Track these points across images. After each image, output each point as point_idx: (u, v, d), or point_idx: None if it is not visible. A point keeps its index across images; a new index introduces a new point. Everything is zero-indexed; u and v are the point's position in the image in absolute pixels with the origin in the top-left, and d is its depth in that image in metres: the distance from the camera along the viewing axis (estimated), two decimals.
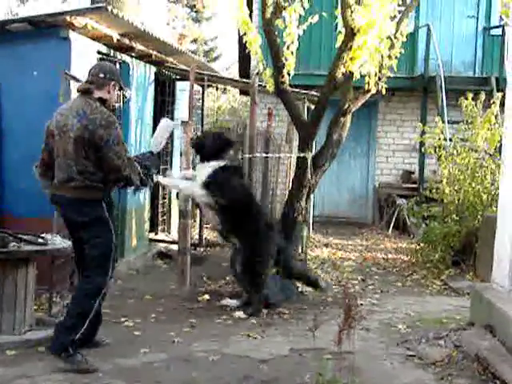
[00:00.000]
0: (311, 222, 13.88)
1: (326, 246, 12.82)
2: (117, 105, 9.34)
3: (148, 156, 6.07)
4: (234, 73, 27.43)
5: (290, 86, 9.70)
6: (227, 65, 34.91)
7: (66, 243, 6.63)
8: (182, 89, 12.02)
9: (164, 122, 6.49)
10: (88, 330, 5.70)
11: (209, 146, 7.62)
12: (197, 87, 12.08)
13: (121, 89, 6.05)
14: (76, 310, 5.70)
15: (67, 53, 7.80)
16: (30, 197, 7.76)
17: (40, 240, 6.36)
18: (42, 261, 6.82)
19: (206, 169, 7.51)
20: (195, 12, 35.17)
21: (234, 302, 7.89)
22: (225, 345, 6.34)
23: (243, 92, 18.89)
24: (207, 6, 29.65)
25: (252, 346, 6.36)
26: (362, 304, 8.19)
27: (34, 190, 7.65)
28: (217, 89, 14.53)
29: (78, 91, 5.86)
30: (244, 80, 13.18)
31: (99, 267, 5.71)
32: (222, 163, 7.53)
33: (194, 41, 35.00)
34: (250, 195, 8.07)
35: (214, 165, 7.49)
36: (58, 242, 6.57)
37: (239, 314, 7.57)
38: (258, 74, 9.19)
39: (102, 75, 5.80)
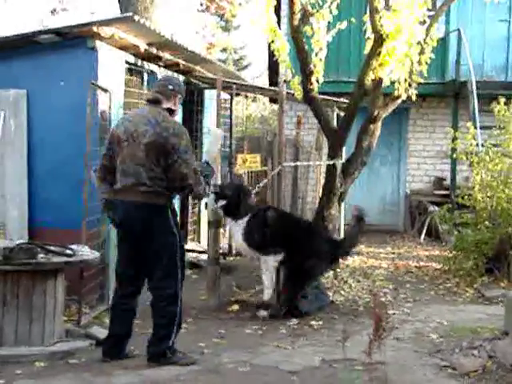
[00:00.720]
0: (342, 229, 13.76)
1: (358, 253, 12.68)
2: None
3: (205, 166, 6.13)
4: (263, 81, 27.40)
5: (319, 93, 9.64)
6: (257, 73, 34.87)
7: (95, 254, 6.64)
8: (210, 97, 12.02)
9: (214, 130, 6.79)
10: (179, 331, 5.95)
11: (234, 203, 7.91)
12: (225, 96, 12.07)
13: (184, 102, 6.14)
14: (162, 320, 5.84)
15: (94, 63, 7.80)
16: (59, 208, 7.81)
17: (68, 251, 6.36)
18: (71, 272, 6.84)
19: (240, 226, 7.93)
20: (224, 21, 35.20)
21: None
22: (255, 356, 6.28)
23: (273, 100, 18.85)
24: (235, 15, 29.61)
25: (282, 356, 6.29)
26: (394, 313, 8.13)
27: (63, 200, 7.75)
28: (246, 97, 14.45)
29: (147, 101, 6.06)
30: (272, 88, 13.14)
31: (169, 276, 5.81)
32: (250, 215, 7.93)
33: (224, 50, 35.04)
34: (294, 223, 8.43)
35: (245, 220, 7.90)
36: (87, 252, 6.57)
37: (263, 313, 7.75)
38: (285, 81, 9.15)
39: (170, 87, 6.00)
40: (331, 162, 9.32)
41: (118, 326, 6.03)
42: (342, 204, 10.74)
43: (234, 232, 8.20)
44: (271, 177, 8.90)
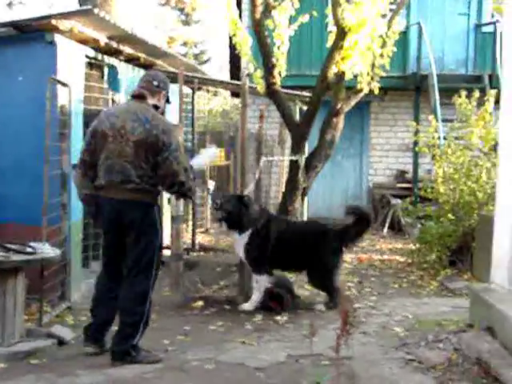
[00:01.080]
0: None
1: None
2: (105, 109, 9.25)
3: (191, 169, 6.07)
4: (225, 75, 27.30)
5: (282, 87, 9.61)
6: (218, 67, 34.79)
7: (56, 251, 6.51)
8: (172, 92, 11.88)
9: (213, 149, 7.16)
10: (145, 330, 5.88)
11: (236, 216, 7.85)
12: (187, 90, 11.97)
13: (168, 101, 6.19)
14: (128, 319, 5.77)
15: (53, 57, 7.64)
16: (19, 204, 7.66)
17: (28, 249, 6.23)
18: (31, 270, 6.71)
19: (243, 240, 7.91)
20: (185, 15, 35.02)
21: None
22: (220, 352, 6.20)
23: (234, 94, 18.78)
24: (196, 9, 29.50)
25: (248, 353, 6.22)
26: (359, 307, 8.10)
27: (23, 196, 7.61)
28: (208, 91, 14.37)
29: (132, 96, 6.00)
30: (234, 82, 13.07)
31: (143, 272, 5.78)
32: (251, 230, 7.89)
33: (184, 44, 34.88)
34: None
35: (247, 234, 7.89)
36: (48, 250, 6.45)
37: (320, 306, 7.94)
38: (248, 75, 9.09)
39: (156, 83, 5.97)
40: (295, 157, 9.29)
41: (102, 312, 6.02)
42: (306, 198, 10.72)
43: (236, 245, 8.10)
44: (259, 173, 8.92)
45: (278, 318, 7.56)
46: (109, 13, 12.98)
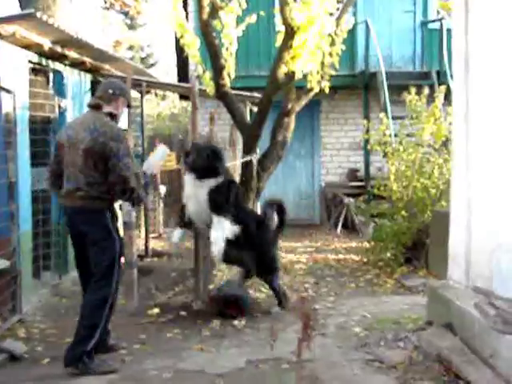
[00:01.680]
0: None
1: None
2: (52, 115, 9.08)
3: (144, 175, 6.20)
4: (172, 79, 27.12)
5: (232, 88, 9.52)
6: (164, 71, 34.52)
7: (5, 263, 6.34)
8: None
9: (161, 147, 6.89)
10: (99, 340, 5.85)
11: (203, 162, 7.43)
12: (135, 94, 11.82)
13: (129, 106, 6.40)
14: (85, 322, 5.80)
15: None
16: None
17: None
18: None
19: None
20: (130, 19, 34.68)
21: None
22: (178, 360, 6.10)
23: (183, 97, 18.61)
24: (141, 12, 29.18)
25: (207, 359, 6.12)
26: (316, 308, 8.07)
27: None
28: (156, 95, 14.22)
29: (88, 106, 6.16)
30: (183, 84, 12.93)
31: (104, 278, 5.84)
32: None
33: (130, 48, 34.55)
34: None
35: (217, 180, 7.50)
36: None
37: (276, 309, 7.83)
38: (197, 76, 8.98)
39: (110, 91, 6.08)
40: (248, 158, 9.21)
41: None
42: (259, 199, 10.63)
43: (195, 192, 7.54)
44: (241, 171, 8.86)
45: (236, 322, 7.43)
46: (52, 17, 12.76)
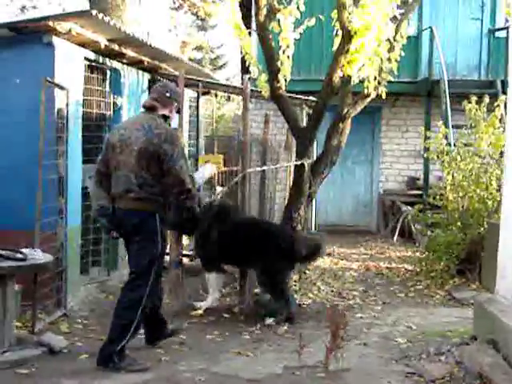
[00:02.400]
0: (313, 231, 13.58)
1: (329, 255, 12.47)
2: (107, 113, 9.14)
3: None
4: (239, 81, 27.24)
5: (291, 92, 9.45)
6: (235, 72, 34.63)
7: (48, 258, 6.37)
8: None
9: (208, 167, 7.66)
10: (133, 338, 5.87)
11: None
12: (192, 94, 11.84)
13: (178, 111, 6.38)
14: (118, 321, 5.80)
15: (51, 59, 7.50)
16: (14, 209, 7.49)
17: (19, 255, 6.08)
18: (25, 276, 6.58)
19: None
20: (200, 20, 34.85)
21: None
22: (214, 363, 6.03)
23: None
24: (210, 14, 29.30)
25: (243, 364, 6.05)
26: (361, 317, 7.96)
27: (17, 201, 7.44)
28: (216, 96, 14.22)
29: (143, 107, 6.16)
30: (237, 85, 12.89)
31: (140, 278, 5.83)
32: None
33: (199, 49, 34.72)
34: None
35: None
36: (39, 256, 6.30)
37: (269, 321, 7.52)
38: (249, 78, 8.94)
39: (168, 94, 6.10)
40: (299, 162, 9.11)
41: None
42: (314, 204, 10.55)
43: None
44: (234, 182, 8.66)
45: (278, 327, 7.35)
46: (121, 17, 12.89)
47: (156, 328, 6.40)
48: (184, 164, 5.84)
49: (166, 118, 6.06)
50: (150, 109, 6.04)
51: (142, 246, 5.82)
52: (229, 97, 21.58)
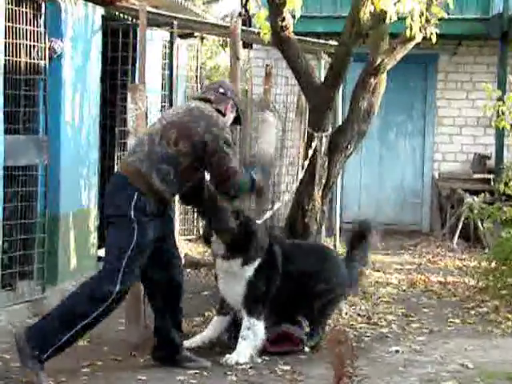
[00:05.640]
0: (338, 229, 13.62)
1: None
2: (42, 63, 9.16)
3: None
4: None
5: (303, 34, 9.45)
6: (235, 8, 34.71)
7: None
8: (151, 39, 11.77)
9: (266, 117, 8.22)
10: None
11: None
12: (163, 36, 11.85)
13: (239, 122, 7.62)
14: (66, 309, 6.56)
15: None
16: None
17: None
18: None
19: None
20: None
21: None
22: None
23: (247, 45, 18.63)
24: None
25: None
26: (397, 351, 7.98)
27: None
28: (202, 40, 14.23)
29: (193, 98, 7.94)
30: (224, 24, 12.82)
31: (109, 271, 6.71)
32: None
33: None
34: None
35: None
36: None
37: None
38: (240, 14, 8.96)
39: (222, 90, 7.33)
40: (312, 133, 9.14)
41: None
42: (336, 192, 10.57)
43: (229, 279, 7.82)
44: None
45: (277, 366, 7.39)
46: None
47: (163, 347, 7.36)
48: (234, 154, 7.07)
49: (219, 112, 7.13)
50: (203, 100, 7.22)
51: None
52: (224, 43, 21.67)
